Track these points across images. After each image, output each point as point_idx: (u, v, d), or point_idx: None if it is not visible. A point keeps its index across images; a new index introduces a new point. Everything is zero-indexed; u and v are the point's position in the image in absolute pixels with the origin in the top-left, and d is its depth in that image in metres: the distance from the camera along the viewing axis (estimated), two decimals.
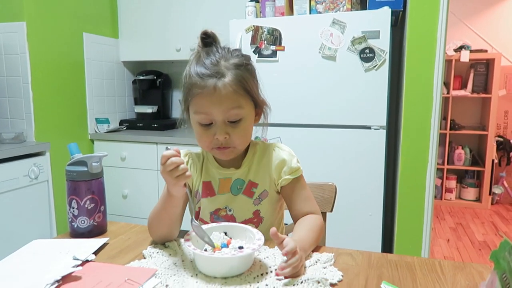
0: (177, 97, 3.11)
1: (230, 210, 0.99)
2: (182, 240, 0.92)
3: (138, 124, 2.86)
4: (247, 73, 0.90)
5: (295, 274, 0.75)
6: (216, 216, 1.00)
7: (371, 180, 2.04)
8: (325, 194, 1.23)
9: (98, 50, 2.72)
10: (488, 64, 3.88)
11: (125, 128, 2.88)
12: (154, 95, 2.96)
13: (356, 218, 2.07)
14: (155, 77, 2.91)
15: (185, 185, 0.82)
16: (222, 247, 0.81)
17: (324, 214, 1.20)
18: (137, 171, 2.61)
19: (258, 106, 0.95)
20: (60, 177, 2.33)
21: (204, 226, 0.87)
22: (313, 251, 0.88)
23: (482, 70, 3.91)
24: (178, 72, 3.07)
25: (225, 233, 0.87)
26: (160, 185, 2.56)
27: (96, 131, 2.71)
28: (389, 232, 2.39)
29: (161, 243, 0.93)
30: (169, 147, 0.82)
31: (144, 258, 0.86)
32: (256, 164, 0.99)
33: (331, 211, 1.23)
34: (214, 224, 0.89)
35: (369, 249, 0.93)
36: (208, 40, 0.92)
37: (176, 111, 3.13)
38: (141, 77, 2.90)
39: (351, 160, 2.05)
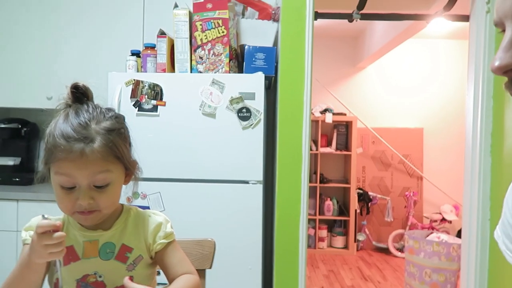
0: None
1: (100, 276, 0.91)
2: None
3: None
4: (119, 138, 0.86)
5: None
6: (83, 283, 0.91)
7: (250, 233, 2.10)
8: (204, 251, 1.23)
9: None
10: (348, 126, 4.47)
11: None
12: (17, 145, 2.65)
13: (236, 273, 2.08)
14: (20, 126, 2.63)
15: None
16: None
17: (203, 272, 1.18)
18: None
19: (129, 169, 0.91)
20: None
21: None
22: None
23: (343, 130, 4.48)
24: (48, 121, 2.81)
25: None
26: (20, 249, 2.23)
27: None
28: (269, 283, 2.45)
29: None
30: (46, 216, 0.73)
31: None
32: (131, 227, 0.95)
33: (210, 267, 1.22)
34: None
35: None
36: (78, 95, 0.87)
37: None
38: (2, 125, 2.59)
39: (230, 214, 2.10)
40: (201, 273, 1.14)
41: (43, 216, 0.74)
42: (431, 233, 2.99)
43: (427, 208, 4.57)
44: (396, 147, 4.48)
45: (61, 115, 0.85)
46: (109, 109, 0.89)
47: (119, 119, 0.89)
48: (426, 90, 4.66)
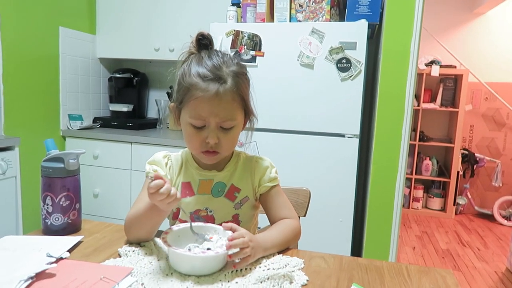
0: (153, 97, 3.08)
1: (210, 211, 1.01)
2: (157, 239, 0.93)
3: (112, 123, 2.82)
4: (246, 83, 0.94)
5: (241, 259, 0.79)
6: (196, 216, 1.01)
7: (343, 186, 2.09)
8: (299, 199, 1.27)
9: (74, 45, 2.67)
10: (456, 80, 4.05)
11: (98, 126, 2.83)
12: (130, 93, 2.93)
13: (327, 223, 2.12)
14: (131, 76, 2.89)
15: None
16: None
17: None
18: (110, 170, 2.57)
19: (247, 116, 0.98)
20: (29, 173, 2.25)
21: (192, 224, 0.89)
22: (284, 254, 0.90)
23: (451, 85, 4.08)
24: (155, 71, 3.05)
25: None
26: (133, 185, 2.52)
27: (68, 128, 2.65)
28: (358, 238, 2.45)
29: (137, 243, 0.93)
30: (150, 175, 0.78)
31: (120, 256, 0.86)
32: (240, 170, 1.03)
33: (305, 215, 1.26)
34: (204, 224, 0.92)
35: (339, 253, 0.96)
36: (204, 42, 0.93)
37: (152, 111, 3.11)
38: (118, 75, 2.86)
39: (325, 166, 2.10)
40: None
41: (150, 177, 0.79)
42: None
43: None
44: None
45: (193, 59, 0.92)
46: (235, 57, 0.97)
47: (244, 66, 0.97)
48: None
